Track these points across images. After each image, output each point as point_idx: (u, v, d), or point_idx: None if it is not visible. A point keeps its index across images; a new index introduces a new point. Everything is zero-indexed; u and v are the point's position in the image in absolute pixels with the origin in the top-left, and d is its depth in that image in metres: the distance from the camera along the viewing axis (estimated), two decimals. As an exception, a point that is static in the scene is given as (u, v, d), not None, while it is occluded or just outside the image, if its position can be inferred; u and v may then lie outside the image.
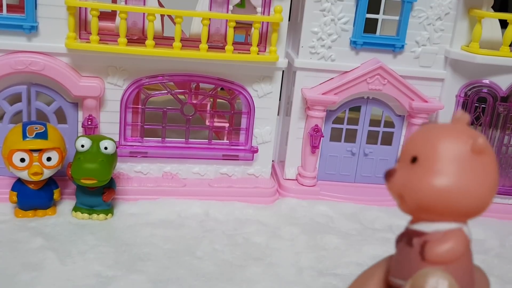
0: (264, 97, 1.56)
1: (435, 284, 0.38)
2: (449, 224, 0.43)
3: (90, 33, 1.39)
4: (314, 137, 1.59)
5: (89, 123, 1.45)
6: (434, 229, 0.43)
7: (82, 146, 1.34)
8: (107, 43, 1.41)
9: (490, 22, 1.59)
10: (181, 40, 1.42)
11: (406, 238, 0.44)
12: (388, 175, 0.43)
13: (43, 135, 1.33)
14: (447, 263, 0.42)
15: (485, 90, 1.58)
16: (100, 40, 1.39)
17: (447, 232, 0.43)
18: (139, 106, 1.52)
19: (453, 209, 0.42)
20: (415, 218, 0.44)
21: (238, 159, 1.60)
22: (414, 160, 0.42)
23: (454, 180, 0.42)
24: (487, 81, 1.57)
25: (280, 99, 1.65)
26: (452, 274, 0.41)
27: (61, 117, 1.48)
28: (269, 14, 1.48)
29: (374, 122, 1.66)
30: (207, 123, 1.59)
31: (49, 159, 1.33)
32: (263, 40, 1.51)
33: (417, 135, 0.44)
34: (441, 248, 0.42)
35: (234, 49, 1.46)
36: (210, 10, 1.46)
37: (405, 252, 0.43)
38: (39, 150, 1.32)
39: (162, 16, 1.56)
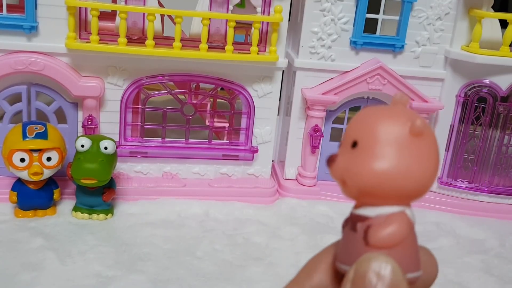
0: (264, 97, 1.56)
1: (378, 268, 0.38)
2: (391, 208, 0.42)
3: (90, 33, 1.39)
4: (314, 137, 1.59)
5: (89, 123, 1.45)
6: (377, 213, 0.42)
7: (82, 146, 1.34)
8: (107, 43, 1.41)
9: (490, 22, 1.59)
10: (181, 40, 1.42)
11: (351, 223, 0.44)
12: (330, 160, 0.43)
13: (43, 135, 1.33)
14: (390, 247, 0.41)
15: (485, 90, 1.58)
16: (100, 40, 1.39)
17: (390, 216, 0.42)
18: (139, 106, 1.52)
19: (394, 192, 0.42)
20: (359, 202, 0.44)
21: (238, 159, 1.60)
22: (354, 144, 0.42)
23: (394, 163, 0.41)
24: (487, 81, 1.57)
25: (280, 99, 1.65)
26: (396, 258, 0.41)
27: (61, 117, 1.48)
28: (269, 14, 1.48)
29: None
30: (207, 123, 1.59)
31: (49, 159, 1.33)
32: (263, 40, 1.51)
33: (357, 119, 0.43)
34: (384, 232, 0.41)
35: (234, 49, 1.46)
36: (210, 10, 1.46)
37: (350, 238, 0.43)
38: (39, 150, 1.32)
39: (162, 16, 1.56)
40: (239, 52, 1.47)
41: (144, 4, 1.43)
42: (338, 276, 0.45)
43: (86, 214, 1.39)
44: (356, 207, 0.44)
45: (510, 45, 1.53)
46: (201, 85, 1.61)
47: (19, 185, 1.37)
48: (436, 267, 0.46)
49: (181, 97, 1.54)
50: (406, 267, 0.41)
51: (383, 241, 0.41)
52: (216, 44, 1.51)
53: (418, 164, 0.42)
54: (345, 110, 1.63)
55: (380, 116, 0.42)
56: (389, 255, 0.41)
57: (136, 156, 1.55)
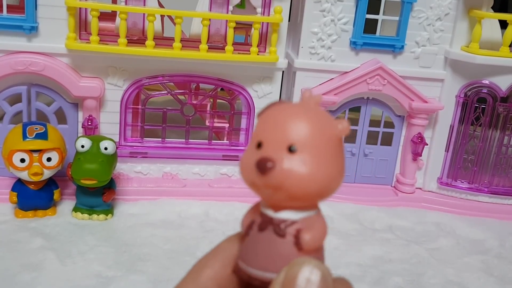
0: (264, 98, 1.56)
1: (309, 274, 0.38)
2: (313, 210, 0.43)
3: (90, 34, 1.39)
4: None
5: (89, 123, 1.45)
6: (301, 217, 0.42)
7: (82, 146, 1.34)
8: (107, 44, 1.41)
9: (490, 23, 1.59)
10: (181, 40, 1.42)
11: (272, 227, 0.42)
12: (268, 167, 0.40)
13: (43, 136, 1.33)
14: (317, 249, 0.42)
15: (485, 90, 1.58)
16: (100, 40, 1.39)
17: (313, 218, 0.42)
18: (139, 107, 1.52)
19: (323, 195, 0.42)
20: (281, 207, 0.42)
21: (238, 160, 1.60)
22: (292, 148, 0.40)
23: (333, 166, 0.42)
24: (487, 82, 1.57)
25: (280, 100, 1.65)
26: (320, 260, 0.42)
27: (61, 117, 1.48)
28: (269, 15, 1.48)
29: (374, 123, 1.66)
30: (207, 123, 1.59)
31: (49, 159, 1.33)
32: (263, 40, 1.51)
33: (289, 121, 0.41)
34: (316, 236, 0.42)
35: (234, 50, 1.46)
36: (210, 10, 1.46)
37: (273, 243, 0.41)
38: (39, 151, 1.32)
39: (162, 16, 1.56)
40: (239, 53, 1.47)
41: (144, 5, 1.43)
42: (231, 284, 0.44)
43: (86, 215, 1.39)
44: (275, 210, 0.42)
45: (510, 46, 1.53)
46: (201, 85, 1.61)
47: (19, 185, 1.37)
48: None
49: (181, 97, 1.54)
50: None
51: (315, 245, 0.41)
52: (216, 44, 1.51)
53: (341, 165, 0.43)
54: (345, 111, 1.63)
55: (315, 118, 0.42)
56: (316, 258, 0.41)
57: (136, 157, 1.55)
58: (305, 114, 0.42)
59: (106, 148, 1.35)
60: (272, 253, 0.41)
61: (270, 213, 0.42)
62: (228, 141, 1.59)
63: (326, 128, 0.42)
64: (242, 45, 1.53)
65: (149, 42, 1.40)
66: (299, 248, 0.41)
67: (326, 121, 0.42)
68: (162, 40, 1.47)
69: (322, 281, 0.38)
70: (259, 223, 0.43)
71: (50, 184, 1.39)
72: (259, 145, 0.41)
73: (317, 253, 0.42)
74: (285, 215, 0.42)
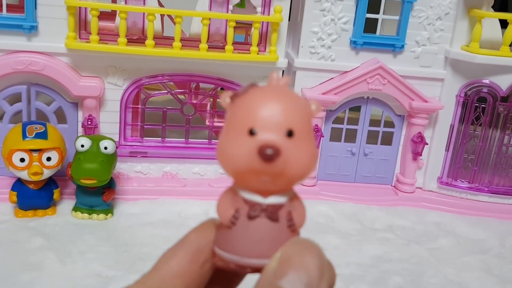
0: (264, 97, 1.55)
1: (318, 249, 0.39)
2: (291, 191, 0.43)
3: (90, 33, 1.39)
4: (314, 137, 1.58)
5: (89, 123, 1.44)
6: (287, 199, 0.42)
7: (82, 146, 1.33)
8: (107, 43, 1.41)
9: (490, 22, 1.58)
10: (181, 40, 1.42)
11: (265, 214, 0.41)
12: (276, 155, 0.39)
13: (43, 135, 1.33)
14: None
15: (485, 90, 1.58)
16: (100, 40, 1.39)
17: (293, 199, 0.43)
18: (139, 106, 1.52)
19: (308, 175, 0.42)
20: (270, 192, 0.42)
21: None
22: (290, 133, 0.40)
23: (314, 147, 0.42)
24: (487, 81, 1.57)
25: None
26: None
27: (61, 117, 1.48)
28: (269, 14, 1.48)
29: (374, 122, 1.66)
30: (207, 123, 1.58)
31: (49, 159, 1.33)
32: (263, 40, 1.51)
33: (283, 104, 0.41)
34: (301, 214, 0.43)
35: (234, 49, 1.46)
36: (210, 10, 1.45)
37: (269, 229, 0.41)
38: (39, 150, 1.32)
39: (162, 16, 1.55)
40: (239, 52, 1.47)
41: (144, 4, 1.42)
42: (197, 279, 0.44)
43: (86, 214, 1.39)
44: (265, 196, 0.42)
45: (510, 45, 1.53)
46: (201, 85, 1.61)
47: (19, 185, 1.36)
48: (333, 270, 0.45)
49: (181, 97, 1.54)
50: None
51: (302, 223, 0.43)
52: (216, 44, 1.51)
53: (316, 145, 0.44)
54: (345, 110, 1.63)
55: (298, 100, 0.42)
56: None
57: (136, 156, 1.55)
58: (290, 96, 0.41)
59: (106, 148, 1.34)
60: (267, 239, 0.41)
61: (259, 199, 0.42)
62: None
63: (306, 109, 0.42)
64: (242, 45, 1.53)
65: (149, 41, 1.39)
66: (292, 230, 0.42)
67: (304, 102, 0.42)
68: (162, 40, 1.47)
69: (318, 261, 0.38)
70: (248, 212, 0.42)
71: (50, 183, 1.39)
72: (251, 132, 0.40)
73: (298, 232, 0.43)
74: (275, 199, 0.42)
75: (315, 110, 0.42)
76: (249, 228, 0.41)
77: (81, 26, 1.43)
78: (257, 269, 0.41)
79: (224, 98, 0.42)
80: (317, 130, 1.58)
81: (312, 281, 0.38)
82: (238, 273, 0.44)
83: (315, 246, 0.39)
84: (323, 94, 1.54)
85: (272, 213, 0.41)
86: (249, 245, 0.41)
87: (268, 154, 0.39)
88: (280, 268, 0.38)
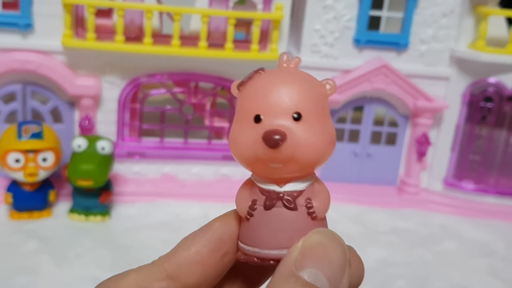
0: (265, 96, 1.53)
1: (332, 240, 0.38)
2: (313, 177, 0.41)
3: (87, 31, 1.37)
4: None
5: (86, 123, 1.43)
6: (306, 185, 0.41)
7: (79, 146, 1.33)
8: (104, 41, 1.39)
9: (496, 20, 1.56)
10: (180, 37, 1.40)
11: (281, 203, 0.40)
12: (280, 140, 0.38)
13: (38, 135, 1.32)
14: (324, 217, 0.41)
15: (491, 89, 1.55)
16: (97, 38, 1.37)
17: (315, 185, 0.41)
18: (137, 106, 1.50)
19: (326, 159, 0.41)
20: (285, 180, 0.40)
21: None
22: (298, 117, 0.39)
23: (329, 128, 0.40)
24: (493, 80, 1.55)
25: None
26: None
27: (57, 116, 1.46)
28: (270, 11, 1.46)
29: (378, 122, 1.64)
30: (207, 123, 1.57)
31: (44, 159, 1.31)
32: (264, 38, 1.49)
33: (288, 87, 0.39)
34: (324, 200, 0.41)
35: (234, 47, 1.44)
36: (210, 7, 1.43)
37: (286, 218, 0.40)
38: (35, 151, 1.30)
39: (160, 13, 1.54)
40: (239, 50, 1.45)
41: (142, 1, 1.41)
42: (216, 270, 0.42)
43: (82, 216, 1.37)
44: (280, 184, 0.40)
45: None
46: (201, 84, 1.59)
47: (14, 186, 1.35)
48: (362, 267, 0.43)
49: (180, 96, 1.52)
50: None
51: (325, 210, 0.41)
52: (215, 42, 1.49)
53: (333, 126, 0.41)
54: (348, 110, 1.61)
55: (307, 81, 0.40)
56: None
57: (134, 157, 1.53)
58: (298, 78, 0.40)
59: (103, 148, 1.34)
60: (287, 228, 0.40)
61: (275, 188, 0.40)
62: (228, 141, 1.57)
63: (318, 90, 0.41)
64: (242, 43, 1.51)
65: (147, 39, 1.38)
66: (313, 218, 0.40)
67: (315, 83, 0.41)
68: (161, 38, 1.45)
69: (341, 254, 0.37)
70: (264, 202, 0.41)
71: (46, 185, 1.37)
72: (257, 119, 0.39)
73: (325, 221, 0.42)
74: (292, 187, 0.40)
75: (330, 90, 0.41)
76: (267, 218, 0.40)
77: (78, 23, 1.41)
78: (279, 261, 0.39)
79: (233, 88, 0.42)
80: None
81: (334, 275, 0.36)
82: (261, 269, 0.42)
83: (339, 238, 0.38)
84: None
85: (288, 201, 0.40)
86: (268, 236, 0.40)
87: (273, 140, 0.38)
88: (301, 258, 0.37)
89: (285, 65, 0.42)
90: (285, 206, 0.40)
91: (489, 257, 1.38)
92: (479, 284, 1.26)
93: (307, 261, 0.36)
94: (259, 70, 0.41)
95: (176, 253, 0.43)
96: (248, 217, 0.42)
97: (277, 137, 0.38)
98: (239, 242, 0.42)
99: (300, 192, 0.40)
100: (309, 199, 0.40)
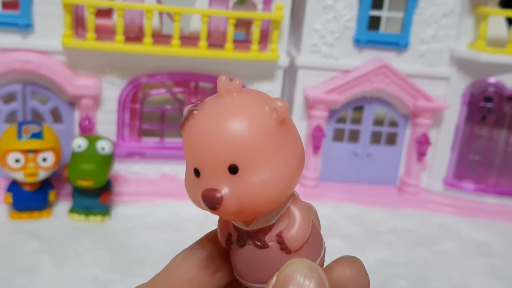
0: (265, 96, 1.53)
1: (302, 279, 0.36)
2: (285, 205, 0.38)
3: (87, 31, 1.37)
4: (316, 138, 1.56)
5: (86, 123, 1.43)
6: (277, 217, 0.38)
7: (79, 146, 1.33)
8: (104, 41, 1.39)
9: (495, 20, 1.56)
10: (180, 37, 1.40)
11: (251, 241, 0.38)
12: (215, 201, 0.35)
13: (38, 135, 1.31)
14: (307, 242, 0.38)
15: (491, 89, 1.55)
16: (97, 38, 1.37)
17: (289, 213, 0.38)
18: (137, 106, 1.50)
19: (289, 191, 0.37)
20: (251, 220, 0.38)
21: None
22: (234, 170, 0.35)
23: (285, 159, 0.36)
24: (493, 80, 1.54)
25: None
26: (318, 248, 0.39)
27: (57, 116, 1.46)
28: (270, 11, 1.45)
29: (378, 122, 1.63)
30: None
31: (44, 159, 1.31)
32: (264, 38, 1.49)
33: (219, 135, 0.35)
34: (299, 229, 0.37)
35: (234, 47, 1.44)
36: (210, 7, 1.43)
37: (259, 256, 0.38)
38: (35, 151, 1.30)
39: (160, 13, 1.54)
40: (239, 50, 1.45)
41: (142, 1, 1.41)
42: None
43: (82, 216, 1.37)
44: (247, 224, 0.38)
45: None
46: (201, 84, 1.59)
47: (14, 186, 1.35)
48: (367, 278, 0.42)
49: (180, 96, 1.52)
50: (316, 254, 0.39)
51: (302, 239, 0.38)
52: (215, 42, 1.49)
53: (297, 150, 0.37)
54: (348, 110, 1.61)
55: (246, 114, 0.35)
56: (310, 252, 0.38)
57: (134, 157, 1.53)
58: (235, 115, 0.35)
59: (103, 148, 1.33)
60: (261, 265, 0.38)
61: (243, 227, 0.38)
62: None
63: (261, 123, 0.35)
64: (242, 43, 1.51)
65: (147, 39, 1.37)
66: (287, 252, 0.38)
67: (258, 114, 0.35)
68: (161, 38, 1.45)
69: (317, 284, 0.36)
70: (235, 238, 0.39)
71: (46, 185, 1.37)
72: (197, 174, 0.36)
73: (308, 245, 0.38)
74: (259, 224, 0.38)
75: (278, 115, 0.35)
76: (242, 254, 0.39)
77: (78, 23, 1.40)
78: None
79: (179, 127, 0.37)
80: (319, 130, 1.55)
81: None
82: None
83: (315, 267, 0.36)
84: (325, 93, 1.52)
85: (257, 239, 0.38)
86: (246, 270, 0.39)
87: (210, 203, 0.35)
88: None
89: (225, 92, 0.36)
90: (255, 245, 0.38)
91: (489, 257, 1.38)
92: (479, 284, 1.26)
93: None
94: (193, 110, 0.36)
95: (166, 273, 0.42)
96: (227, 248, 0.40)
97: (213, 199, 0.35)
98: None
99: (269, 228, 0.38)
100: (280, 233, 0.37)
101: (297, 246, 0.38)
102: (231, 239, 0.39)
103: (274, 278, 0.37)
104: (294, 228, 0.38)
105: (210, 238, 0.43)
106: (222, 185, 0.35)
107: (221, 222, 0.41)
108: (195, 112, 0.36)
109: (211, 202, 0.35)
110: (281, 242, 0.37)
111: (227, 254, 0.41)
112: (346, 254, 0.43)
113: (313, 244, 0.39)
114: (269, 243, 0.38)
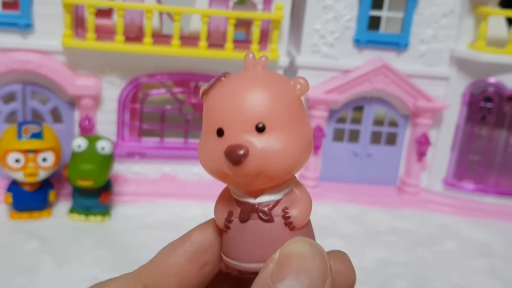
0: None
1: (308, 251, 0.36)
2: (291, 183, 0.39)
3: (87, 31, 1.36)
4: (316, 138, 1.56)
5: (86, 123, 1.43)
6: (283, 194, 0.39)
7: (79, 146, 1.33)
8: (104, 41, 1.39)
9: (496, 20, 1.56)
10: (180, 37, 1.39)
11: (257, 215, 0.38)
12: (241, 156, 0.36)
13: (38, 135, 1.31)
14: (307, 225, 0.39)
15: (491, 89, 1.55)
16: (96, 38, 1.37)
17: (294, 191, 0.39)
18: (137, 106, 1.50)
19: (300, 166, 0.38)
20: (260, 191, 0.38)
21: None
22: (262, 128, 0.36)
23: (307, 134, 0.38)
24: (493, 80, 1.54)
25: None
26: (311, 235, 0.40)
27: (57, 116, 1.46)
28: (270, 11, 1.45)
29: (378, 122, 1.63)
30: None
31: (44, 159, 1.31)
32: (264, 38, 1.49)
33: (248, 96, 0.37)
34: (303, 208, 0.39)
35: (234, 47, 1.43)
36: (210, 7, 1.43)
37: (263, 231, 0.38)
38: (35, 151, 1.30)
39: (160, 13, 1.54)
40: (239, 50, 1.45)
41: (142, 1, 1.41)
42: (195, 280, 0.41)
43: (82, 216, 1.37)
44: (255, 196, 0.39)
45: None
46: (201, 84, 1.59)
47: (14, 186, 1.35)
48: (353, 273, 0.42)
49: (180, 96, 1.52)
50: (313, 238, 0.40)
51: (305, 219, 0.39)
52: (215, 42, 1.49)
53: (309, 128, 0.39)
54: (348, 110, 1.60)
55: (273, 85, 0.38)
56: (308, 235, 0.39)
57: (134, 157, 1.53)
58: (263, 83, 0.38)
59: (103, 148, 1.33)
60: (264, 241, 0.38)
61: (250, 200, 0.39)
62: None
63: (286, 93, 0.38)
64: (242, 43, 1.51)
65: (147, 39, 1.37)
66: (291, 228, 0.38)
67: (283, 86, 0.38)
68: (161, 38, 1.45)
69: (321, 263, 0.36)
70: (239, 214, 0.39)
71: (46, 185, 1.37)
72: (220, 133, 0.37)
73: (307, 228, 0.40)
74: (267, 197, 0.39)
75: (300, 90, 0.38)
76: (244, 231, 0.39)
77: (78, 23, 1.40)
78: (256, 273, 0.38)
79: (201, 93, 0.40)
80: (319, 130, 1.55)
81: (314, 286, 0.35)
82: (246, 280, 0.41)
83: (318, 247, 0.37)
84: (325, 93, 1.52)
85: (263, 213, 0.38)
86: (246, 249, 0.39)
87: (235, 157, 0.36)
88: (278, 270, 0.36)
89: (251, 67, 0.39)
90: (260, 218, 0.38)
91: (489, 257, 1.38)
92: (479, 284, 1.26)
93: (284, 272, 0.35)
94: (221, 77, 0.39)
95: (152, 265, 0.42)
96: (226, 229, 0.40)
97: (239, 153, 0.36)
98: (221, 253, 0.41)
99: (276, 202, 0.38)
100: (286, 208, 0.38)
101: (302, 223, 0.39)
102: (231, 218, 0.39)
103: (277, 254, 0.36)
104: (300, 204, 0.39)
105: (199, 231, 0.43)
106: (248, 142, 0.36)
107: (223, 198, 0.41)
108: (223, 79, 0.39)
109: (236, 157, 0.36)
110: (287, 218, 0.38)
111: (216, 247, 0.41)
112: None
113: (311, 229, 0.40)
114: (274, 218, 0.38)
